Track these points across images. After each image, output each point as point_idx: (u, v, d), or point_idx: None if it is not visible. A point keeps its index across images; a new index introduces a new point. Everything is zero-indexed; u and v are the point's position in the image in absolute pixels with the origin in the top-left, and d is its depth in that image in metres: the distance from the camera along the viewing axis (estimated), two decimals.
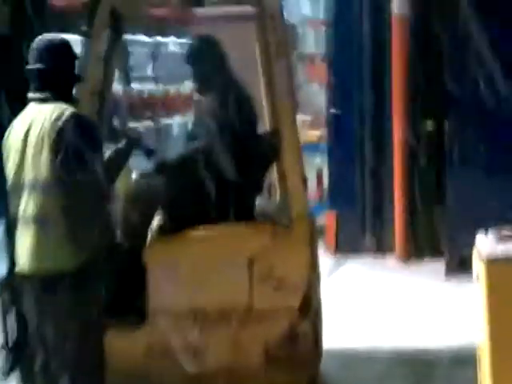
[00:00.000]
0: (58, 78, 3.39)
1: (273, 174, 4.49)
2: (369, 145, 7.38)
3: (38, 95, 3.41)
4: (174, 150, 5.53)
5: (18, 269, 3.42)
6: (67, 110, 3.33)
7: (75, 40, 4.00)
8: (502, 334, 2.98)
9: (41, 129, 3.32)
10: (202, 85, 4.39)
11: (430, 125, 7.10)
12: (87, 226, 3.28)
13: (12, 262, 3.46)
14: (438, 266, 6.72)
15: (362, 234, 7.34)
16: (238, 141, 4.11)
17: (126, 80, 10.81)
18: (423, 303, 5.92)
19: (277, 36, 3.89)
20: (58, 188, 3.28)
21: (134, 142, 4.22)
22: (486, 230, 3.22)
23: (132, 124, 10.74)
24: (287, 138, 3.99)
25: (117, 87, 10.47)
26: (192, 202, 4.03)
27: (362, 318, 5.59)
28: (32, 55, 3.43)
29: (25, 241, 3.37)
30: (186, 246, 3.91)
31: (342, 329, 5.17)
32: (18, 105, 3.52)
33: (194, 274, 3.87)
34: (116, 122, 8.65)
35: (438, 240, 7.03)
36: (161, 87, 11.54)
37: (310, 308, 3.95)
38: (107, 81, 4.37)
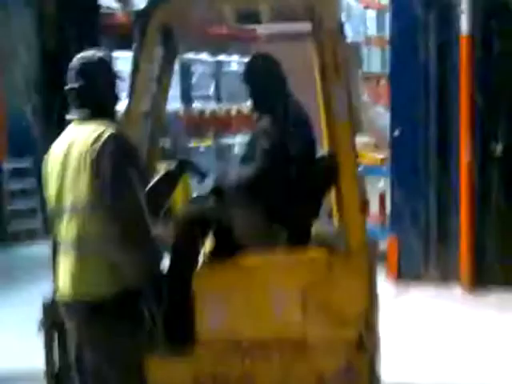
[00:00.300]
0: (95, 96, 3.28)
1: (331, 199, 4.28)
2: (433, 168, 7.10)
3: (75, 115, 3.30)
4: (233, 171, 5.34)
5: (59, 294, 3.33)
6: (107, 130, 3.21)
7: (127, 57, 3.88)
8: None
9: (80, 150, 3.20)
10: (259, 104, 4.21)
11: (498, 148, 6.80)
12: (129, 253, 3.13)
13: (55, 288, 3.37)
14: (507, 297, 6.41)
15: (425, 260, 7.04)
16: (294, 163, 3.93)
17: (188, 99, 10.79)
18: (490, 338, 5.60)
19: (335, 55, 3.68)
20: (97, 212, 3.16)
21: (185, 165, 4.08)
22: None
23: (193, 143, 10.72)
24: (344, 162, 3.77)
25: (178, 106, 10.49)
26: (246, 227, 3.84)
27: (423, 351, 5.31)
28: (70, 74, 3.34)
29: (65, 266, 3.26)
30: (237, 274, 3.72)
31: (401, 363, 4.91)
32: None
33: (244, 303, 3.67)
34: (171, 143, 8.63)
35: (508, 269, 6.70)
36: (223, 106, 11.47)
37: (367, 342, 3.72)
38: (160, 101, 4.24)
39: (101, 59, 3.34)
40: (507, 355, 5.26)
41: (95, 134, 3.19)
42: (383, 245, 7.41)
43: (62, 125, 3.42)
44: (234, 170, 4.40)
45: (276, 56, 4.25)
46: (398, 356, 4.87)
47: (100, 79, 3.30)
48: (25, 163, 9.46)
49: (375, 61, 14.41)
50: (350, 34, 12.64)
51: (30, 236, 9.16)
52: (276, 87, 4.15)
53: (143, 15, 3.74)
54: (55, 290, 3.36)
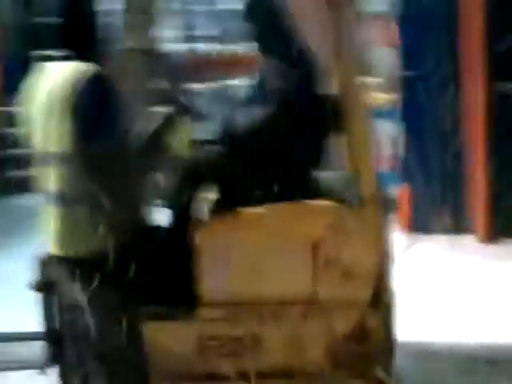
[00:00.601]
0: (77, 33, 2.99)
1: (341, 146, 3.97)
2: (449, 112, 6.77)
3: (54, 53, 3.01)
4: (237, 116, 5.02)
5: (49, 250, 3.08)
6: (89, 70, 2.90)
7: None
8: None
9: (62, 93, 2.90)
10: (263, 44, 3.90)
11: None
12: (115, 206, 2.86)
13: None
14: None
15: (439, 210, 6.74)
16: (298, 106, 3.63)
17: (188, 39, 10.42)
18: (506, 291, 5.35)
19: None
20: (79, 162, 2.87)
21: (185, 108, 3.77)
22: None
23: (196, 85, 10.38)
24: (352, 102, 3.44)
25: (180, 47, 10.12)
26: (251, 177, 3.55)
27: (437, 306, 5.07)
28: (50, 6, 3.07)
29: (49, 220, 3.00)
30: (242, 228, 3.42)
31: (416, 319, 4.66)
32: None
33: (250, 259, 3.38)
34: (172, 84, 8.25)
35: None
36: (228, 47, 11.10)
37: (381, 300, 3.45)
38: (152, 39, 3.91)
39: None
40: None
41: (77, 74, 2.89)
42: (394, 193, 7.14)
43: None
44: (239, 113, 4.09)
45: None
46: (412, 313, 4.62)
47: (88, 14, 3.00)
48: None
49: (381, 3, 14.00)
50: None
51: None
52: (279, 24, 3.83)
53: None
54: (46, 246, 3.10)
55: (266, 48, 3.87)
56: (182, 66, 9.71)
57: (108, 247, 2.88)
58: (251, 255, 3.37)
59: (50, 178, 2.95)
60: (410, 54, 6.97)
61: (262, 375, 3.40)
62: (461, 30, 6.66)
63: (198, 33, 10.56)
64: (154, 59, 3.96)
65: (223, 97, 10.77)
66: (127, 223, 2.91)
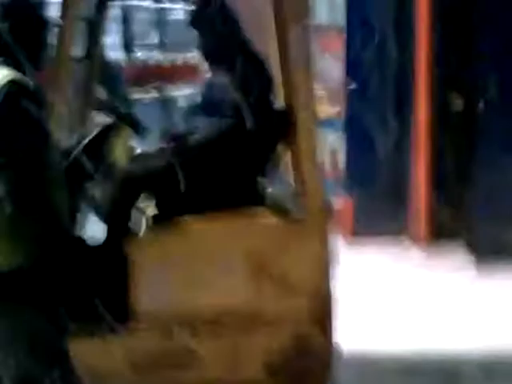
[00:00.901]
0: (11, 39, 2.78)
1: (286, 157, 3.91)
2: (390, 122, 6.80)
3: None
4: (179, 126, 4.95)
5: None
6: (7, 76, 2.71)
7: None
8: None
9: None
10: (211, 53, 3.79)
11: (459, 103, 6.50)
12: (25, 216, 2.67)
13: None
14: (461, 255, 6.17)
15: (380, 217, 6.76)
16: (247, 116, 3.56)
17: (129, 48, 10.29)
18: (445, 296, 5.39)
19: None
20: None
21: (124, 118, 3.67)
22: None
23: (135, 94, 10.24)
24: (302, 115, 3.39)
25: (119, 55, 9.98)
26: (190, 185, 3.46)
27: (380, 314, 5.04)
28: None
29: None
30: (179, 238, 3.33)
31: (359, 328, 4.63)
32: None
33: (187, 271, 3.29)
34: (111, 94, 8.13)
35: (461, 226, 6.47)
36: (167, 56, 10.98)
37: (323, 313, 3.39)
38: (94, 47, 3.81)
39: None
40: (464, 316, 5.04)
41: None
42: (337, 202, 7.13)
43: None
44: (182, 123, 4.01)
45: None
46: (353, 322, 4.57)
47: (22, 20, 2.81)
48: None
49: (323, 10, 14.01)
50: None
51: None
52: (229, 31, 3.73)
53: None
54: None
55: (212, 57, 3.79)
56: (122, 73, 9.61)
57: (16, 262, 2.68)
58: (188, 267, 3.29)
59: None
60: (354, 65, 6.97)
61: None
62: (407, 41, 6.66)
63: (138, 41, 10.44)
64: (95, 67, 3.87)
65: (164, 106, 10.68)
66: (42, 235, 2.71)
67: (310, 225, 3.37)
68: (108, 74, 8.65)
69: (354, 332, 4.47)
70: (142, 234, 3.40)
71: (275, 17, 3.67)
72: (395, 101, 6.83)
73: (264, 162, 3.74)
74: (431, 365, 4.41)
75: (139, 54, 10.38)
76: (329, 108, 7.91)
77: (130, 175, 3.61)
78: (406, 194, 6.75)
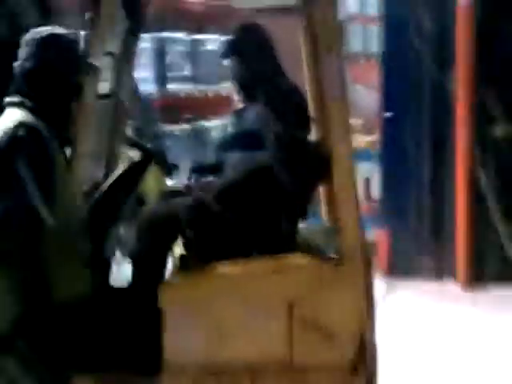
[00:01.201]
0: (41, 79, 2.68)
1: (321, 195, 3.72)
2: (427, 153, 6.58)
3: (10, 99, 2.70)
4: (210, 159, 4.77)
5: None
6: (17, 120, 2.58)
7: None
8: None
9: None
10: (245, 84, 3.63)
11: (499, 130, 6.28)
12: (20, 273, 2.51)
13: None
14: (504, 295, 5.91)
15: (418, 254, 6.53)
16: (284, 154, 3.39)
17: (161, 80, 10.19)
18: (487, 339, 5.09)
19: (327, 26, 3.12)
20: None
21: (153, 155, 3.51)
22: None
23: (167, 127, 10.14)
24: (338, 150, 3.20)
25: (152, 88, 9.89)
26: (224, 229, 3.29)
27: (419, 359, 4.81)
28: (20, 52, 2.75)
29: None
30: (212, 285, 3.14)
31: (399, 375, 4.41)
32: None
33: (219, 321, 3.10)
34: (142, 127, 7.99)
35: (506, 264, 6.21)
36: (199, 88, 10.88)
37: (363, 363, 3.18)
38: (122, 81, 3.67)
39: (56, 35, 2.74)
40: (501, 357, 4.80)
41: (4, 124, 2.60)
42: (371, 237, 6.92)
43: None
44: (212, 160, 3.84)
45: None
46: (394, 367, 4.36)
47: (51, 60, 2.69)
48: None
49: (357, 39, 13.89)
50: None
51: None
52: (266, 63, 3.57)
53: None
54: None
55: (246, 88, 3.62)
56: (154, 107, 9.52)
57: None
58: (221, 316, 3.09)
59: None
60: (389, 93, 6.79)
61: None
62: (445, 68, 6.49)
63: (171, 73, 10.34)
64: (123, 103, 3.73)
65: (197, 138, 10.57)
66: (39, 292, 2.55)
67: (349, 269, 3.16)
68: (140, 109, 8.58)
69: (397, 379, 4.28)
70: (169, 276, 3.22)
71: (308, 46, 3.53)
72: (432, 129, 6.64)
73: (300, 200, 3.56)
74: None
75: (172, 87, 10.28)
76: (363, 138, 7.74)
77: (159, 215, 3.45)
78: (444, 228, 6.51)
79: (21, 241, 2.52)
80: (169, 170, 3.48)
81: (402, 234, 6.56)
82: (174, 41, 10.31)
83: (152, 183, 4.03)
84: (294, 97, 3.52)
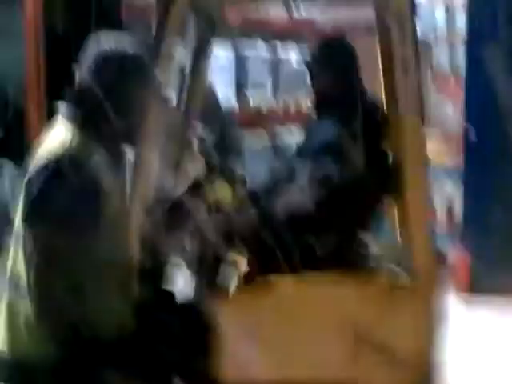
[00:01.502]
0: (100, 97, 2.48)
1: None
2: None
3: (64, 111, 2.55)
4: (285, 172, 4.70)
5: None
6: (60, 148, 2.40)
7: None
8: None
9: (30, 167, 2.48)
10: (324, 96, 3.56)
11: None
12: (60, 304, 2.35)
13: None
14: None
15: (502, 277, 6.29)
16: (355, 162, 3.31)
17: (241, 93, 10.20)
18: None
19: (405, 47, 3.02)
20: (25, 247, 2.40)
21: (221, 171, 3.46)
22: None
23: (247, 141, 10.12)
24: (412, 167, 3.09)
25: (232, 99, 9.92)
26: (286, 239, 3.20)
27: None
28: (81, 58, 2.57)
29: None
30: (271, 300, 3.06)
31: None
32: None
33: (281, 338, 3.01)
34: (221, 141, 7.97)
35: None
36: (280, 101, 10.84)
37: None
38: (193, 97, 3.64)
39: (123, 52, 2.54)
40: None
41: (47, 148, 2.43)
42: (452, 258, 6.72)
43: None
44: (287, 172, 3.77)
45: None
46: None
47: (112, 79, 2.50)
48: None
49: (443, 58, 13.69)
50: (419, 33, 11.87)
51: None
52: (349, 80, 3.50)
53: None
54: None
55: (324, 100, 3.56)
56: (234, 120, 9.53)
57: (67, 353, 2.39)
58: (280, 333, 3.01)
59: (8, 258, 2.51)
60: (474, 110, 6.60)
61: None
62: None
63: (250, 86, 10.33)
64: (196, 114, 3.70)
65: (277, 152, 10.53)
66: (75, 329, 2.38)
67: (419, 290, 3.04)
68: (219, 121, 8.60)
69: None
70: (230, 290, 3.15)
71: (382, 58, 3.44)
72: None
73: (368, 215, 3.46)
74: None
75: (252, 98, 10.28)
76: (446, 156, 7.55)
77: (223, 225, 3.39)
78: None
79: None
80: (236, 184, 3.42)
81: (483, 254, 6.36)
82: (253, 53, 10.33)
83: (225, 193, 3.96)
84: (373, 115, 3.44)
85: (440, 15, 13.50)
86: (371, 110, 3.47)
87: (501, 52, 6.39)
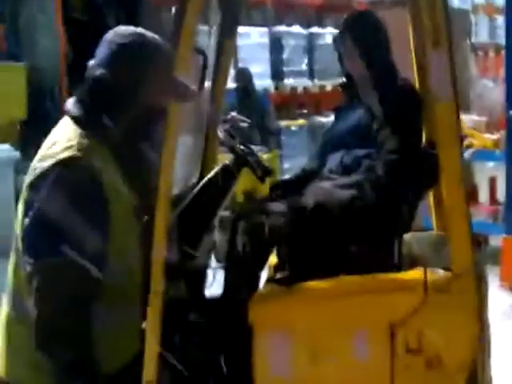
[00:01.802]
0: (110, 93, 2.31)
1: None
2: None
3: (72, 110, 2.38)
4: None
5: None
6: (64, 150, 2.22)
7: None
8: None
9: (32, 167, 2.31)
10: (355, 78, 3.40)
11: None
12: (58, 334, 2.16)
13: None
14: None
15: None
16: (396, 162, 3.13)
17: (278, 75, 9.99)
18: None
19: (435, 19, 2.77)
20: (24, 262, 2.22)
21: (245, 160, 3.27)
22: None
23: (283, 123, 9.92)
24: (447, 155, 2.85)
25: (268, 82, 9.73)
26: (327, 243, 3.02)
27: None
28: (98, 52, 2.40)
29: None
30: (307, 305, 2.86)
31: None
32: None
33: (316, 343, 2.82)
34: (259, 123, 7.78)
35: None
36: (316, 82, 10.61)
37: None
38: (220, 79, 3.45)
39: (145, 43, 2.38)
40: None
41: (51, 150, 2.26)
42: (494, 242, 6.48)
43: None
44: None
45: None
46: None
47: (125, 72, 2.33)
48: None
49: (483, 30, 13.29)
50: (456, 1, 11.58)
51: None
52: (378, 55, 3.33)
53: None
54: None
55: (354, 83, 3.39)
56: (271, 101, 9.30)
57: None
58: (316, 338, 2.82)
59: (8, 271, 2.36)
60: None
61: None
62: None
63: (287, 68, 10.11)
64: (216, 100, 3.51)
65: (313, 134, 10.29)
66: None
67: (460, 289, 2.82)
68: (255, 104, 8.42)
69: None
70: (263, 292, 2.97)
71: (416, 41, 3.22)
72: None
73: (411, 212, 3.25)
74: None
75: (288, 81, 10.07)
76: (488, 136, 7.26)
77: (255, 222, 3.20)
78: None
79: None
80: (262, 173, 3.23)
81: None
82: (291, 35, 10.09)
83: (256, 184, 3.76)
84: (407, 98, 3.24)
85: None
86: (402, 89, 3.29)
87: None
